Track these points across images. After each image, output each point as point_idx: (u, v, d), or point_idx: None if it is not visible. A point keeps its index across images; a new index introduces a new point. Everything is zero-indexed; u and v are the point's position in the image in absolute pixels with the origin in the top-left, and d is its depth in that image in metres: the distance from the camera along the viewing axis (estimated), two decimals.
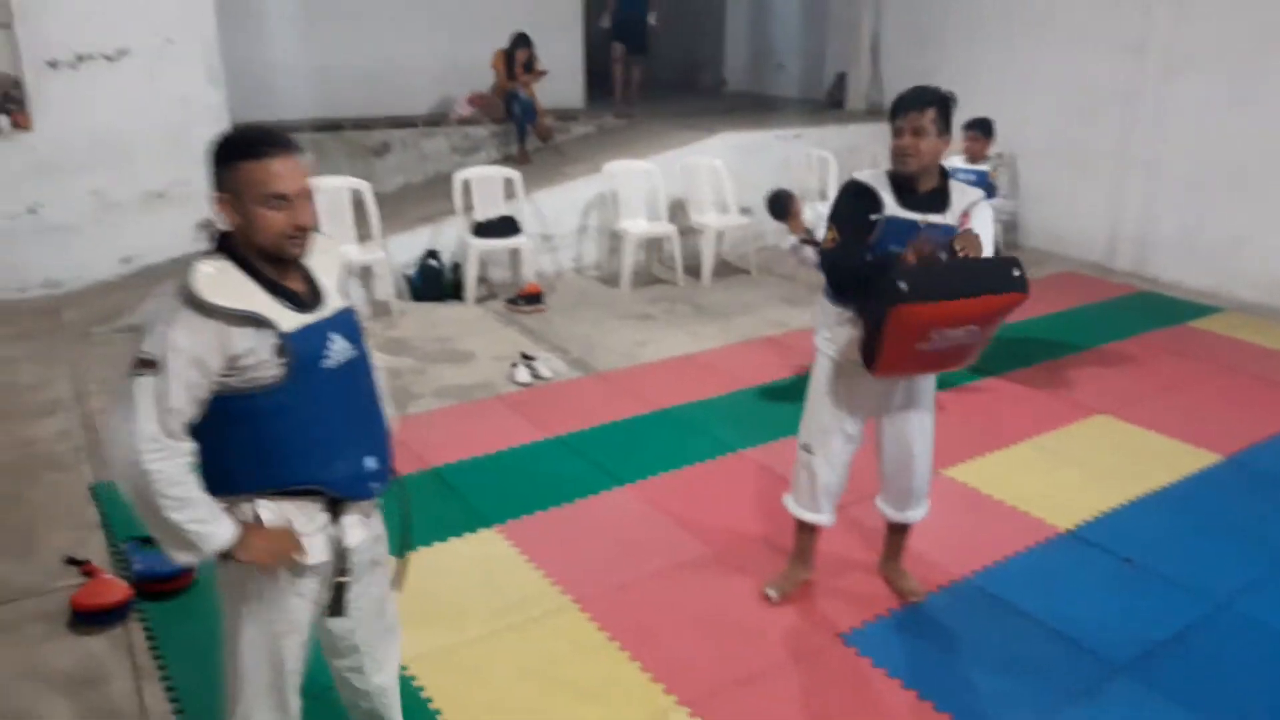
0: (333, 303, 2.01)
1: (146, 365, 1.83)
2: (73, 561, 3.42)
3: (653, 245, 7.72)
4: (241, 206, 1.87)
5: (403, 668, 2.97)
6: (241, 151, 1.86)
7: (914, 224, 2.80)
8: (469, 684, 2.93)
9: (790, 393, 5.17)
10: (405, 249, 6.75)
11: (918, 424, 3.11)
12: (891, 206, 2.82)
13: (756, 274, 7.62)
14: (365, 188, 6.33)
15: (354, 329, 2.05)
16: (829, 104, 10.16)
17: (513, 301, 6.64)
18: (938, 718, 2.82)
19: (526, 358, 5.51)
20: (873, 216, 2.82)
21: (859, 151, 8.41)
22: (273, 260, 1.92)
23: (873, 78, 9.60)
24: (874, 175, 2.91)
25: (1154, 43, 7.37)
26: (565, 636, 3.16)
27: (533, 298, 6.58)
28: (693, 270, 7.50)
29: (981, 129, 5.52)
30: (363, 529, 2.11)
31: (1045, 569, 3.61)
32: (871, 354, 2.76)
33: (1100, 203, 7.87)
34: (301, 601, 2.06)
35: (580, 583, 3.43)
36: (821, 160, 8.10)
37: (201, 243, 6.78)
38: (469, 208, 6.87)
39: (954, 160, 5.62)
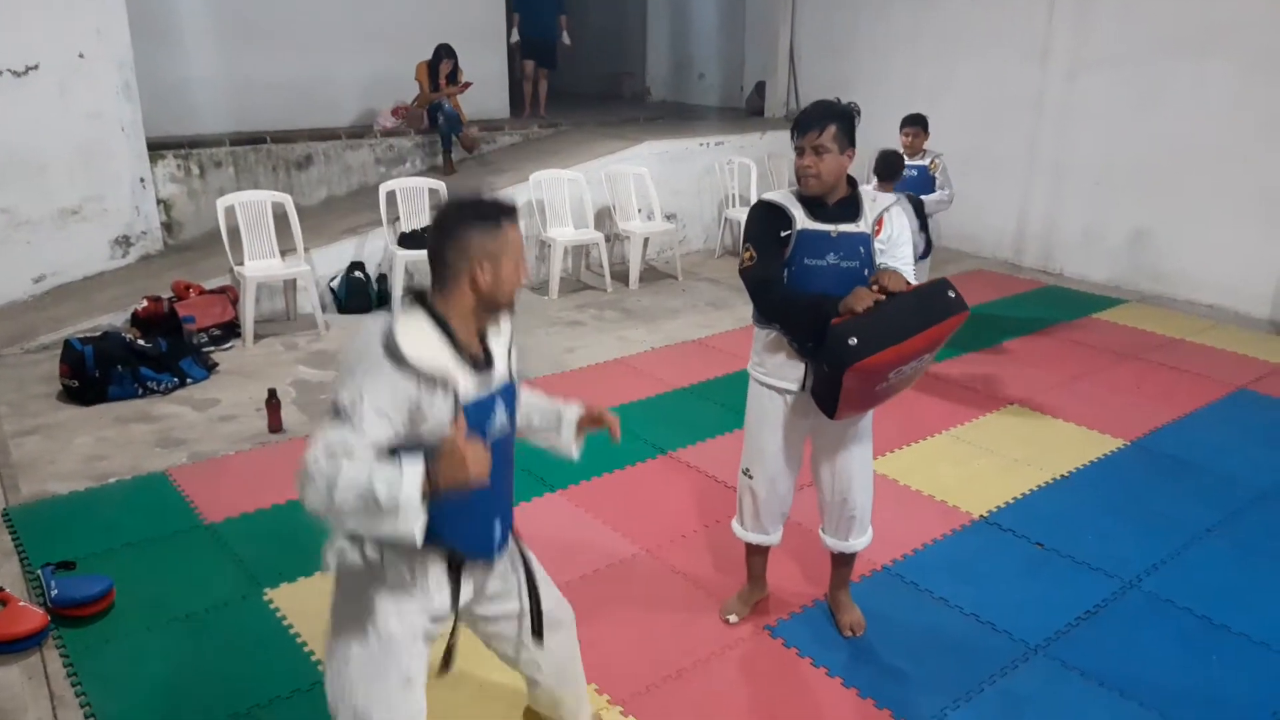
0: (501, 372, 2.11)
1: (338, 413, 1.88)
2: None
3: (580, 252, 7.77)
4: (496, 267, 1.99)
5: None
6: (508, 216, 2.02)
7: (826, 234, 2.80)
8: None
9: (718, 394, 5.27)
10: (330, 262, 6.69)
11: (857, 455, 3.05)
12: (802, 220, 2.81)
13: (683, 279, 7.72)
14: (287, 201, 6.26)
15: (513, 402, 2.17)
16: (749, 112, 10.33)
17: None
18: (862, 703, 2.91)
19: None
20: (784, 233, 2.81)
21: (778, 158, 8.61)
22: (491, 312, 2.05)
23: (790, 86, 9.80)
24: (782, 195, 2.90)
25: (1057, 49, 7.69)
26: None
27: None
28: (620, 276, 7.57)
29: (919, 124, 5.74)
30: (472, 588, 2.22)
31: (961, 555, 3.74)
32: (831, 405, 2.73)
33: (1009, 202, 8.16)
34: (412, 659, 2.11)
35: None
36: (743, 167, 8.26)
37: (118, 259, 6.63)
38: (395, 219, 6.83)
39: None
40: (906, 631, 3.27)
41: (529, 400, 2.39)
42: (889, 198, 2.95)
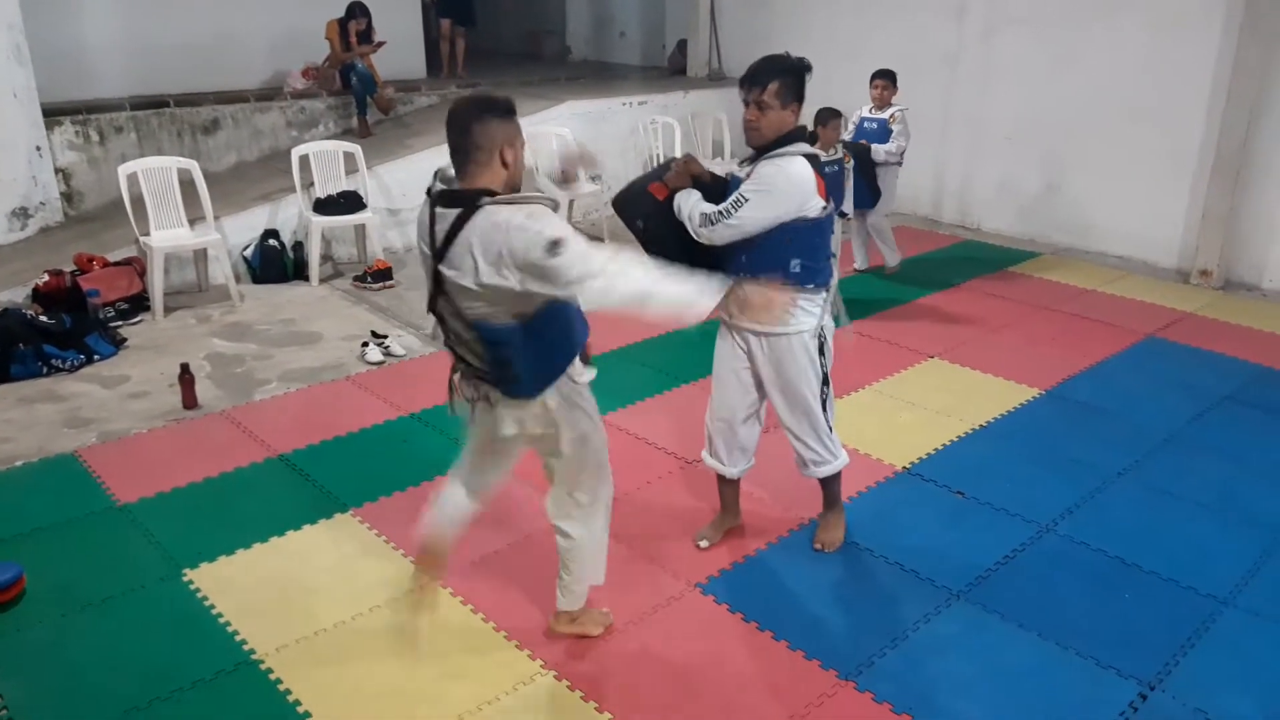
0: None
1: (558, 244, 2.25)
2: None
3: None
4: (515, 151, 2.42)
5: (257, 661, 2.91)
6: (513, 110, 2.42)
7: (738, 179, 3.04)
8: (332, 673, 2.88)
9: (647, 357, 5.26)
10: (242, 230, 6.47)
11: (791, 397, 3.23)
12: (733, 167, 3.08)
13: (609, 241, 7.65)
14: (194, 167, 6.01)
15: None
16: (671, 71, 10.25)
17: (360, 279, 6.46)
18: (792, 655, 2.97)
19: (377, 336, 5.39)
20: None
21: (702, 117, 8.56)
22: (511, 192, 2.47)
23: (712, 44, 9.74)
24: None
25: (974, 6, 7.76)
26: (428, 614, 3.14)
27: (382, 274, 6.43)
28: None
29: (888, 78, 6.13)
30: None
31: (885, 506, 3.82)
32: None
33: (927, 159, 8.24)
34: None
35: None
36: (667, 127, 8.19)
37: (16, 232, 6.31)
38: (309, 184, 6.63)
39: (863, 109, 6.30)
40: (834, 582, 3.34)
41: None
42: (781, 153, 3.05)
